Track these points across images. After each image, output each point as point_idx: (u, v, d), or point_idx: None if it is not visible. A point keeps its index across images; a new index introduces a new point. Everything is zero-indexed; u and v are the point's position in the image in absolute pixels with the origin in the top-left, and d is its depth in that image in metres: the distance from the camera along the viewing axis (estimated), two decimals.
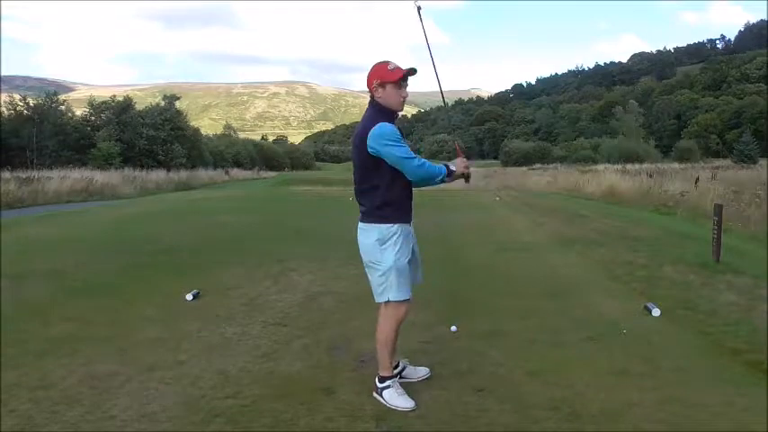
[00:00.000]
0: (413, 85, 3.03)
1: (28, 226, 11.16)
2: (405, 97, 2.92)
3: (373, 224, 2.94)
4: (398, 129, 2.93)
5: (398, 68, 2.89)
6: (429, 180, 2.96)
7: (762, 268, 6.13)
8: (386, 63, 2.94)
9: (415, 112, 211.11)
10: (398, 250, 2.92)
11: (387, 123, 2.86)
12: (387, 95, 2.90)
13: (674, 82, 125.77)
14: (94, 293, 5.34)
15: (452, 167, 3.00)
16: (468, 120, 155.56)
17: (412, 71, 2.89)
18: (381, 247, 2.92)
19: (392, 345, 3.01)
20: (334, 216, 12.07)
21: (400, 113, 2.99)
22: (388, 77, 2.88)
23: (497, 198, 18.74)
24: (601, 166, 43.67)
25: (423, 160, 2.91)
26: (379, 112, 2.92)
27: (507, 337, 4.03)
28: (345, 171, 44.05)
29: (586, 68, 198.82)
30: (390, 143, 2.83)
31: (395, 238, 2.92)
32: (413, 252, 3.03)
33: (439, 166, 2.97)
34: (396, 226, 2.93)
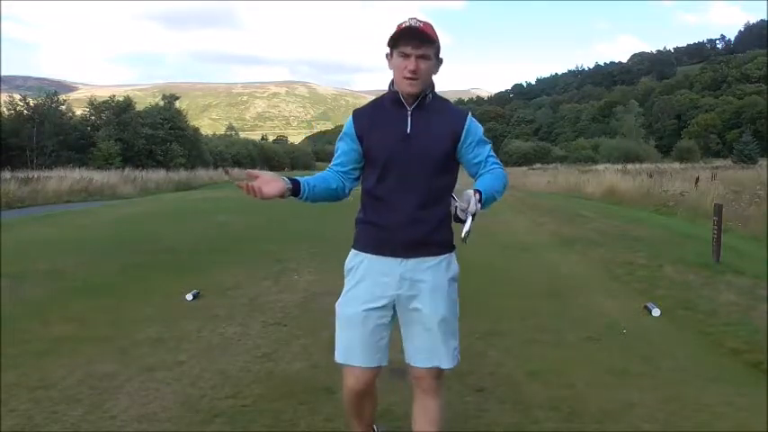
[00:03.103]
0: None
1: (28, 226, 11.17)
2: (411, 71, 1.88)
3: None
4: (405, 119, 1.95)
5: (399, 26, 1.90)
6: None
7: (762, 268, 6.13)
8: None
9: None
10: (349, 290, 2.02)
11: (355, 111, 2.06)
12: (393, 67, 1.96)
13: (673, 82, 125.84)
14: (94, 293, 5.34)
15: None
16: None
17: (405, 30, 1.88)
18: (345, 280, 2.07)
19: (352, 415, 2.17)
20: (334, 216, 12.05)
21: (406, 92, 1.93)
22: (389, 42, 1.93)
23: None
24: (601, 166, 43.72)
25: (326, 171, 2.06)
26: (386, 93, 2.05)
27: (507, 337, 4.03)
28: None
29: (586, 68, 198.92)
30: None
31: (353, 271, 2.02)
32: (404, 311, 1.99)
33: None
34: (360, 255, 2.02)
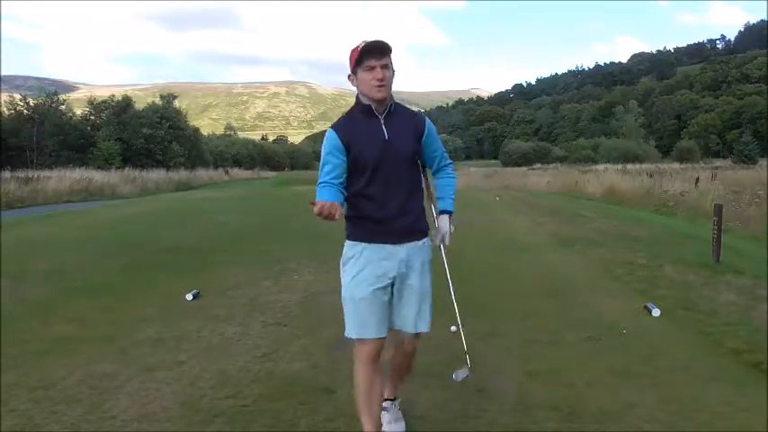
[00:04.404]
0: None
1: (28, 226, 11.17)
2: (380, 79, 2.24)
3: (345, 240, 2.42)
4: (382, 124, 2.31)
5: (356, 49, 2.27)
6: None
7: (762, 268, 6.13)
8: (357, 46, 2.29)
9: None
10: (355, 275, 2.33)
11: (334, 126, 2.33)
12: (359, 83, 2.30)
13: (673, 82, 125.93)
14: (94, 293, 5.34)
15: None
16: (468, 120, 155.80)
17: (367, 46, 2.23)
18: (342, 269, 2.40)
19: (363, 393, 2.38)
20: None
21: (378, 99, 2.28)
22: (351, 62, 2.29)
23: (497, 198, 18.73)
24: (601, 166, 43.76)
25: (321, 184, 2.25)
26: (354, 107, 2.38)
27: (507, 337, 4.03)
28: None
29: (586, 68, 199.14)
30: (322, 155, 2.32)
31: (353, 260, 2.36)
32: (400, 286, 2.37)
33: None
34: (359, 245, 2.35)
